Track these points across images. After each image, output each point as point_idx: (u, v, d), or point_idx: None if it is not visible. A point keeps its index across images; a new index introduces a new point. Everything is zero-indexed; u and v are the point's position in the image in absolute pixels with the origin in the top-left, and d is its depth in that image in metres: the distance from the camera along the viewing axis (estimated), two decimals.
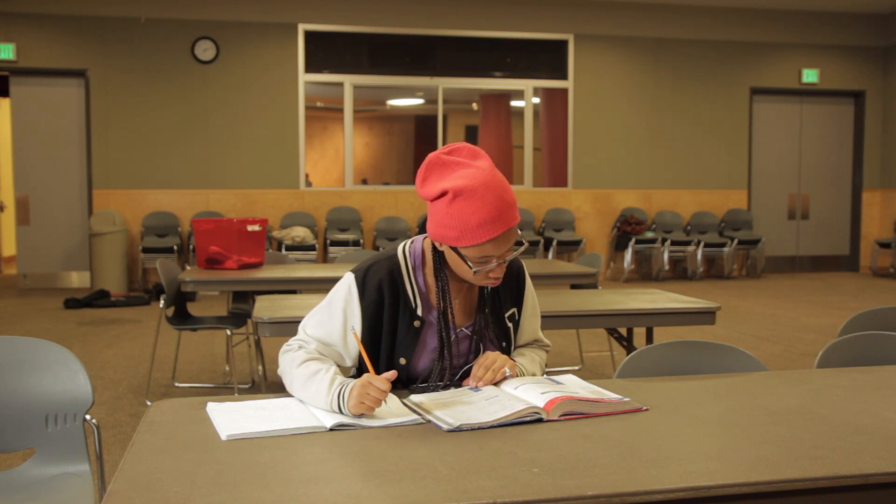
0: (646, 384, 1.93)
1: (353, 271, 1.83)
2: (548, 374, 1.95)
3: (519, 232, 1.78)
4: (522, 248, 1.79)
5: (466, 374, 1.86)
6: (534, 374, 1.91)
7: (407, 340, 1.81)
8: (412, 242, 1.87)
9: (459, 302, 1.88)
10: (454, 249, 1.74)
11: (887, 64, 11.14)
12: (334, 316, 1.81)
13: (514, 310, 1.94)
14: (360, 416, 1.60)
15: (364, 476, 1.32)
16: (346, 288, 1.81)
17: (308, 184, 10.01)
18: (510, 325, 1.92)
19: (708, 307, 3.35)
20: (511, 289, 1.94)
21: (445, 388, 1.83)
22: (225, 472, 1.33)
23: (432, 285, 1.84)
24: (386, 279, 1.80)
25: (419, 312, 1.82)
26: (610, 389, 1.79)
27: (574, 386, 1.78)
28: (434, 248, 1.82)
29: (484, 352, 1.85)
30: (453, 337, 1.85)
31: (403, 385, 1.84)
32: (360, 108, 10.90)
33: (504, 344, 1.91)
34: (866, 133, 11.23)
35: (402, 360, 1.81)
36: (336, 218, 9.65)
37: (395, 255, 1.84)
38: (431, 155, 1.76)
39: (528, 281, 1.98)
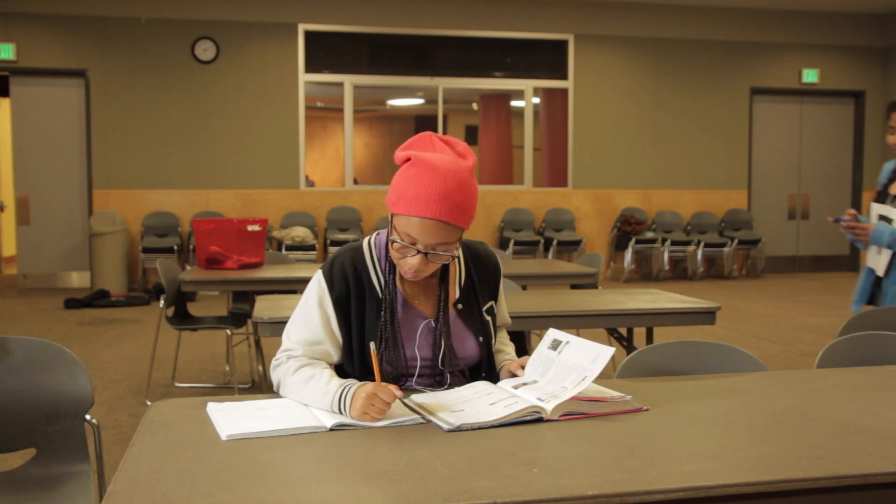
0: (646, 384, 1.93)
1: (321, 267, 1.85)
2: None
3: (458, 246, 1.77)
4: (448, 256, 1.74)
5: (455, 371, 1.87)
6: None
7: (376, 329, 1.80)
8: (377, 234, 1.89)
9: (424, 292, 1.87)
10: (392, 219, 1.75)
11: (887, 64, 11.14)
12: (311, 314, 1.81)
13: (491, 303, 1.94)
14: None
15: (364, 476, 1.32)
16: (317, 284, 1.83)
17: (310, 184, 10.02)
18: (489, 318, 1.92)
19: (708, 307, 3.35)
20: (489, 282, 1.95)
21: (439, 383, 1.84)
22: (225, 472, 1.33)
23: (398, 273, 1.84)
24: (350, 269, 1.81)
25: (387, 301, 1.82)
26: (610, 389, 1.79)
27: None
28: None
29: (450, 346, 1.84)
30: (420, 327, 1.84)
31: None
32: (360, 108, 10.90)
33: (481, 339, 1.89)
34: (866, 133, 11.23)
35: (373, 349, 1.80)
36: (336, 218, 9.65)
37: (360, 246, 1.86)
38: (427, 132, 1.79)
39: (501, 273, 2.00)
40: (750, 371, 2.14)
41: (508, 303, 2.11)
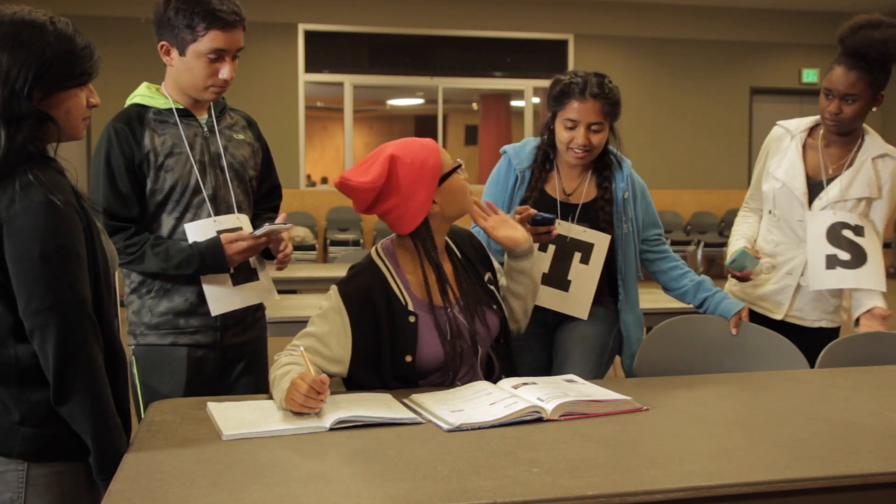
0: (646, 384, 1.93)
1: (339, 288, 1.84)
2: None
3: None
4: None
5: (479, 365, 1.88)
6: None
7: (407, 337, 1.82)
8: (380, 245, 1.92)
9: (435, 284, 1.89)
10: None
11: None
12: (323, 326, 1.79)
13: (488, 273, 2.00)
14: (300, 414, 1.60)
15: (364, 476, 1.32)
16: (335, 301, 1.81)
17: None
18: (492, 287, 1.98)
19: None
20: (478, 256, 2.01)
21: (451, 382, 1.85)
22: (225, 472, 1.33)
23: (412, 278, 1.87)
24: (374, 287, 1.83)
25: (410, 308, 1.84)
26: (610, 389, 1.79)
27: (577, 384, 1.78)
28: (417, 232, 1.85)
29: (482, 322, 1.89)
30: (443, 317, 1.86)
31: (408, 382, 1.84)
32: (360, 108, 10.90)
33: (495, 307, 1.94)
34: None
35: (409, 358, 1.82)
36: (336, 218, 9.65)
37: (373, 262, 1.88)
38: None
39: (485, 246, 2.07)
40: (750, 371, 2.14)
41: None
